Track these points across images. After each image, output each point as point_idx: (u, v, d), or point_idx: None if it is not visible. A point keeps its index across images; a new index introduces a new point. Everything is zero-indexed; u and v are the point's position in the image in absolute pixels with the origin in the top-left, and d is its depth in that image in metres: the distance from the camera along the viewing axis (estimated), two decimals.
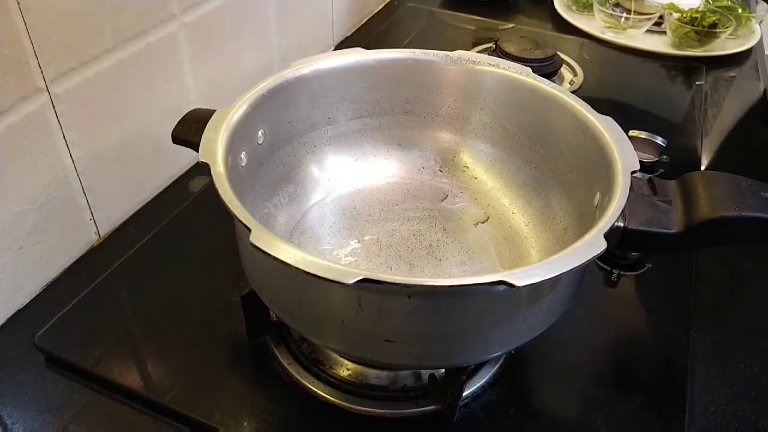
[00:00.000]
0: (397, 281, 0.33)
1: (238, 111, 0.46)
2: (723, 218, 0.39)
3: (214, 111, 0.46)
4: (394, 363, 0.44)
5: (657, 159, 0.71)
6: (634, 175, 0.42)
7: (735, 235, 0.40)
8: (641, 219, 0.40)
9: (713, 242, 0.41)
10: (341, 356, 0.49)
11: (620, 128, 0.45)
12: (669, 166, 0.73)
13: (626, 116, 0.81)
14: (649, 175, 0.44)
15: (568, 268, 0.34)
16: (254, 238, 0.35)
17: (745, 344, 0.54)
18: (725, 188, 0.40)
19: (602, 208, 0.41)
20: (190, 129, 0.47)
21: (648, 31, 1.02)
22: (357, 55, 0.54)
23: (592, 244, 0.35)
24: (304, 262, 0.33)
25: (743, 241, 0.41)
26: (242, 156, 0.47)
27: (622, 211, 0.39)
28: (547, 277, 0.33)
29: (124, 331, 0.53)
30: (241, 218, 0.36)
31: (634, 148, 0.44)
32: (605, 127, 0.46)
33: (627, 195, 0.39)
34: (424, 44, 1.02)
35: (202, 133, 0.43)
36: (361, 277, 0.32)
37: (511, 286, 0.32)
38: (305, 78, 0.52)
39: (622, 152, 0.43)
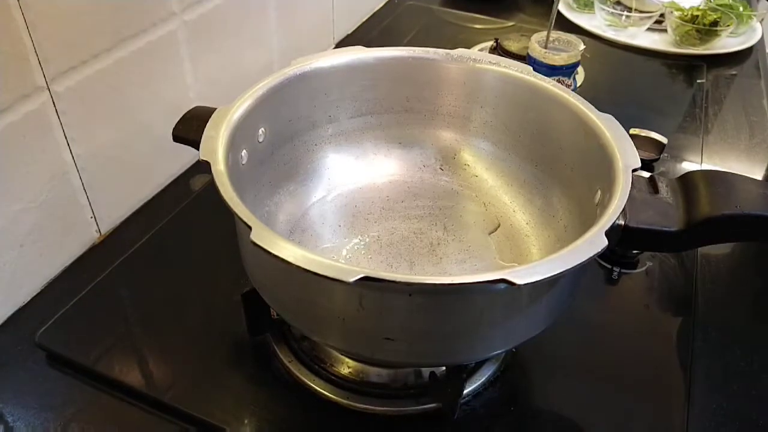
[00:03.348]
0: (398, 279, 0.33)
1: (238, 109, 0.46)
2: (724, 216, 0.38)
3: (215, 109, 0.46)
4: (394, 361, 0.44)
5: (658, 157, 0.71)
6: (635, 173, 0.42)
7: (736, 233, 0.40)
8: (642, 217, 0.40)
9: (714, 240, 0.40)
10: (342, 354, 0.49)
11: (621, 126, 0.45)
12: (670, 164, 0.73)
13: (627, 114, 0.81)
14: (650, 173, 0.44)
15: (569, 267, 0.34)
16: (255, 236, 0.35)
17: (746, 342, 0.54)
18: (726, 186, 0.40)
19: (603, 206, 0.41)
20: (190, 127, 0.47)
21: (649, 29, 1.02)
22: (357, 53, 0.54)
23: (592, 242, 0.35)
24: (305, 260, 0.33)
25: (745, 239, 0.41)
26: (243, 154, 0.47)
27: (623, 209, 0.39)
28: (547, 276, 0.33)
29: (125, 329, 0.53)
30: (242, 216, 0.36)
31: (635, 146, 0.43)
32: (606, 125, 0.45)
33: (628, 193, 0.39)
34: (425, 42, 1.02)
35: (203, 131, 0.43)
36: (362, 275, 0.32)
37: (512, 284, 0.32)
38: (306, 76, 0.52)
39: (623, 150, 0.43)
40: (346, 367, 0.49)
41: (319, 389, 0.48)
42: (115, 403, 0.48)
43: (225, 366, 0.50)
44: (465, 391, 0.47)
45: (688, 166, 0.74)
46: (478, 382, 0.48)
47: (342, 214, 0.56)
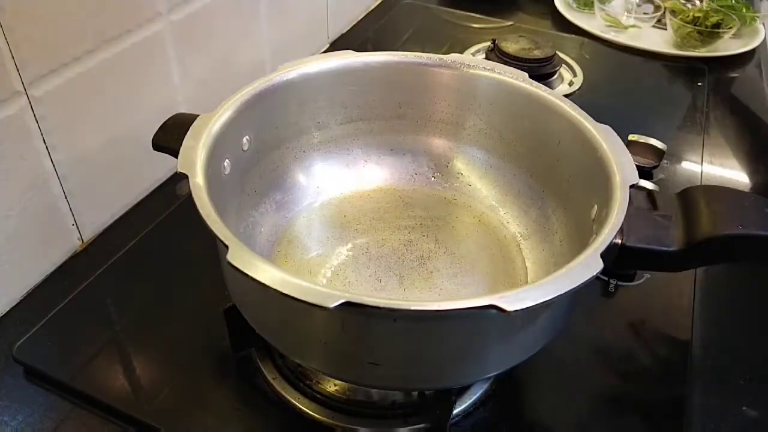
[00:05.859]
0: (381, 305, 0.31)
1: (221, 117, 0.44)
2: (725, 236, 0.37)
3: (197, 116, 0.44)
4: (379, 385, 0.42)
5: (657, 164, 0.69)
6: (634, 187, 0.40)
7: (738, 254, 0.38)
8: (640, 235, 0.38)
9: (715, 260, 0.39)
10: (327, 376, 0.47)
11: (619, 138, 0.44)
12: (669, 171, 0.71)
13: (626, 118, 0.80)
14: (649, 189, 0.42)
15: (562, 291, 0.32)
16: (231, 257, 0.33)
17: (746, 358, 0.52)
18: (728, 204, 0.38)
19: (600, 222, 0.39)
20: (171, 135, 0.46)
21: (650, 28, 1.00)
22: (347, 58, 0.53)
23: (587, 265, 0.34)
24: (282, 283, 0.32)
25: (747, 260, 0.39)
26: (225, 164, 0.45)
27: (620, 227, 0.37)
28: (539, 301, 0.31)
29: (106, 342, 0.51)
30: (219, 234, 0.34)
31: (634, 153, 0.42)
32: (604, 136, 0.44)
33: (625, 211, 0.37)
34: (421, 41, 1.00)
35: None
36: (342, 301, 0.31)
37: (502, 311, 0.31)
38: (293, 81, 0.51)
39: (621, 164, 0.41)
40: (333, 384, 0.47)
41: (303, 408, 0.46)
42: (94, 420, 0.46)
43: (208, 382, 0.48)
44: (455, 411, 0.46)
45: (688, 173, 0.72)
46: (469, 401, 0.47)
47: (330, 223, 0.54)
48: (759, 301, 0.58)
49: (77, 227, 0.59)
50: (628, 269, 0.57)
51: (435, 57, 0.53)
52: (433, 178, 0.57)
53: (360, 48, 0.56)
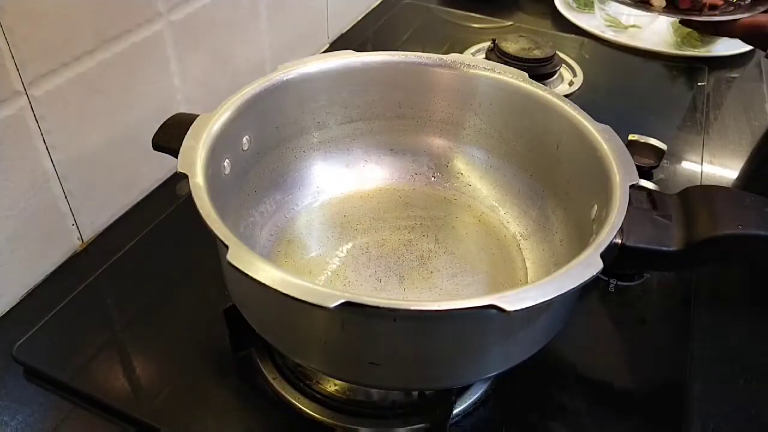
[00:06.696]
0: (382, 305, 0.31)
1: (221, 117, 0.44)
2: (725, 236, 0.37)
3: (197, 116, 0.44)
4: (379, 385, 0.42)
5: (657, 164, 0.69)
6: (634, 187, 0.40)
7: (738, 254, 0.38)
8: (640, 235, 0.38)
9: (716, 260, 0.39)
10: (327, 376, 0.47)
11: (619, 138, 0.44)
12: (669, 171, 0.71)
13: (626, 118, 0.80)
14: (649, 189, 0.42)
15: (562, 292, 0.32)
16: (231, 257, 0.33)
17: (745, 358, 0.52)
18: (728, 204, 0.38)
19: (600, 222, 0.39)
20: (171, 135, 0.46)
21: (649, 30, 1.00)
22: (347, 58, 0.53)
23: (587, 265, 0.34)
24: (283, 283, 0.32)
25: (747, 260, 0.39)
26: (225, 164, 0.45)
27: (620, 227, 0.37)
28: (539, 301, 0.31)
29: (106, 342, 0.51)
30: (219, 234, 0.34)
31: (634, 153, 0.42)
32: (604, 137, 0.44)
33: (625, 211, 0.37)
34: (422, 41, 1.00)
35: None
36: (342, 301, 0.31)
37: (502, 310, 0.31)
38: (293, 81, 0.51)
39: (621, 164, 0.41)
40: (333, 384, 0.47)
41: (303, 408, 0.46)
42: (94, 420, 0.47)
43: (208, 382, 0.48)
44: (455, 411, 0.46)
45: (688, 172, 0.72)
46: (469, 401, 0.47)
47: (330, 223, 0.54)
48: (759, 301, 0.58)
49: (77, 227, 0.59)
50: (628, 269, 0.57)
51: (435, 57, 0.53)
52: (433, 178, 0.57)
53: (360, 48, 0.56)
